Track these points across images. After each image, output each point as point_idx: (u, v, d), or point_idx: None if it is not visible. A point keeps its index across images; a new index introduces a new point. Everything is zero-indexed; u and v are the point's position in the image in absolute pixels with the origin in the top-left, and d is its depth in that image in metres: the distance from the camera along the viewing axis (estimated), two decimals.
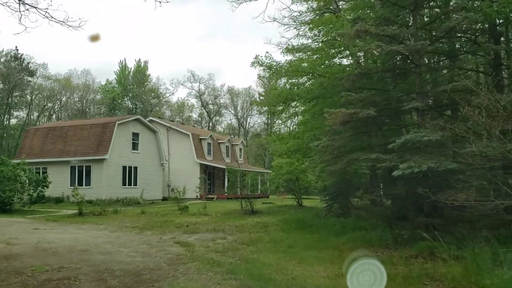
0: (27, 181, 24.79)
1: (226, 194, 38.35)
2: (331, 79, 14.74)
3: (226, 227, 17.38)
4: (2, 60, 62.49)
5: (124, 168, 32.69)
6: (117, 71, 77.82)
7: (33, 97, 69.43)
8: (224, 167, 39.04)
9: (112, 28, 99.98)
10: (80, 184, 31.38)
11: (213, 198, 38.00)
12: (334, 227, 15.10)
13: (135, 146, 34.01)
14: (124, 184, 32.71)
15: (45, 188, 26.27)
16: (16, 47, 62.20)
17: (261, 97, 79.01)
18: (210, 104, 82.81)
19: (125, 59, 77.33)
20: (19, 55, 61.92)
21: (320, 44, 18.29)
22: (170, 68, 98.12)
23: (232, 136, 59.33)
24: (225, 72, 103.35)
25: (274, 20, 24.81)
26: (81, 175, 31.40)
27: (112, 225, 18.43)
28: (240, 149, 47.36)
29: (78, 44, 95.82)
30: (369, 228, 13.87)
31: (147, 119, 39.96)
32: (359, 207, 19.67)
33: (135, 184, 33.85)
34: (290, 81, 18.31)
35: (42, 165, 32.31)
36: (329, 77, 15.22)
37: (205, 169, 40.44)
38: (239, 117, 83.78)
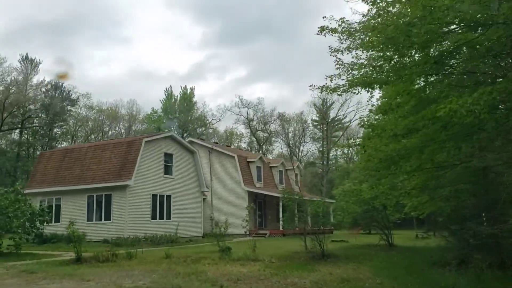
0: (20, 215, 18.59)
1: (282, 229, 30.80)
2: None
3: None
4: (43, 90, 59.59)
5: (153, 197, 26.12)
6: (163, 99, 73.89)
7: (77, 128, 65.88)
8: (279, 195, 31.62)
9: (157, 53, 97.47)
10: (99, 218, 25.06)
11: (266, 234, 30.53)
12: None
13: (168, 169, 27.49)
14: (154, 217, 26.06)
15: (44, 223, 19.97)
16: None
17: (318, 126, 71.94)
18: (260, 131, 76.36)
19: (170, 86, 73.28)
20: (60, 84, 58.77)
21: None
22: (217, 94, 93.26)
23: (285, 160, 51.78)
24: (274, 96, 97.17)
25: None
26: (100, 207, 25.11)
27: (105, 281, 11.47)
28: (296, 174, 39.88)
29: (122, 72, 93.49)
30: None
31: (186, 140, 33.65)
32: None
33: (168, 217, 27.12)
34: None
35: (55, 195, 26.38)
36: None
37: (254, 198, 33.23)
38: (291, 145, 76.62)
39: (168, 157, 27.58)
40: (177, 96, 74.00)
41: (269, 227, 33.08)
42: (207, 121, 73.13)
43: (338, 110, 70.40)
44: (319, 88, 11.27)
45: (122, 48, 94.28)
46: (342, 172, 63.62)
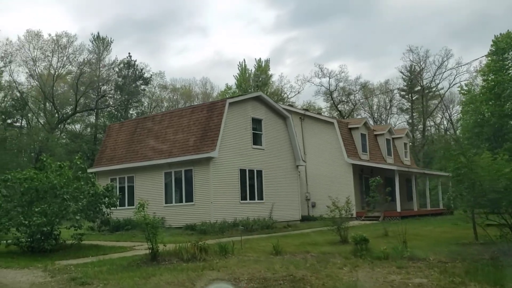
0: (80, 197, 14.22)
1: (398, 211, 24.66)
2: None
3: None
4: (116, 69, 57.13)
5: (242, 172, 21.06)
6: (237, 75, 69.52)
7: (152, 109, 63.21)
8: (394, 168, 25.39)
9: (226, 28, 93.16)
10: (179, 199, 20.49)
11: (378, 217, 24.48)
12: None
13: (257, 138, 22.26)
14: (243, 197, 21.03)
15: (111, 207, 15.50)
16: (129, 53, 56.54)
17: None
18: (342, 102, 69.34)
19: (244, 60, 68.44)
20: (133, 62, 55.88)
21: None
22: (294, 64, 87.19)
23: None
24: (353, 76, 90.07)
25: None
26: (179, 186, 20.50)
27: None
28: (405, 144, 33.14)
29: (196, 51, 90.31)
30: None
31: None
32: None
33: (260, 197, 21.97)
34: None
35: (127, 173, 22.20)
36: None
37: (360, 172, 27.22)
38: (375, 118, 68.88)
39: (257, 123, 22.30)
40: (252, 70, 69.30)
41: (378, 208, 26.95)
42: (285, 95, 67.59)
43: (434, 76, 61.16)
44: None
45: (197, 37, 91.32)
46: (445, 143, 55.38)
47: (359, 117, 63.30)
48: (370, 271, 9.54)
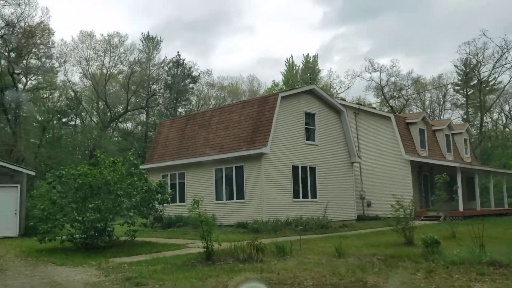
0: (133, 193, 13.97)
1: (461, 211, 23.05)
2: None
3: None
4: (165, 68, 57.87)
5: (294, 169, 20.27)
6: (284, 71, 68.81)
7: (200, 106, 63.65)
8: (456, 165, 23.75)
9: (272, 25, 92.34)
10: (230, 196, 20.00)
11: (439, 217, 22.95)
12: None
13: (309, 134, 21.40)
14: (296, 195, 20.24)
15: (164, 203, 15.17)
16: (178, 52, 57.11)
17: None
18: (394, 97, 66.77)
19: (291, 56, 67.46)
20: (181, 60, 56.42)
21: None
22: (342, 61, 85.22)
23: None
24: (403, 71, 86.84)
25: None
26: (230, 182, 20.01)
27: None
28: (465, 140, 31.14)
29: (244, 50, 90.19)
30: None
31: None
32: None
33: (314, 195, 21.09)
34: None
35: (178, 169, 21.98)
36: None
37: (418, 170, 25.72)
38: (428, 113, 65.75)
39: (310, 117, 21.43)
40: (299, 66, 68.33)
41: (437, 208, 25.34)
42: (334, 90, 66.01)
43: (493, 69, 57.53)
44: None
45: (244, 36, 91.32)
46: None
47: (412, 112, 60.74)
48: (448, 278, 8.51)
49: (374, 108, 36.64)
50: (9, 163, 20.09)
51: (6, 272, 9.49)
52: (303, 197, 20.53)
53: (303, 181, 20.64)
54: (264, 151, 18.42)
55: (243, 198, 19.23)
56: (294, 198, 20.05)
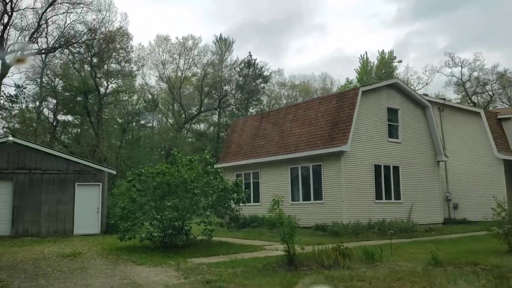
0: (209, 192, 13.63)
1: None
2: None
3: None
4: (237, 69, 58.30)
5: (376, 168, 19.01)
6: (358, 69, 66.75)
7: (271, 106, 63.47)
8: None
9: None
10: (306, 196, 19.16)
11: None
12: None
13: (392, 131, 19.99)
14: (378, 197, 18.96)
15: (240, 203, 14.71)
16: (249, 52, 57.22)
17: None
18: (479, 93, 62.04)
19: (366, 52, 65.14)
20: (253, 61, 56.54)
21: None
22: (419, 57, 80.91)
23: None
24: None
25: None
26: (306, 182, 19.17)
27: None
28: None
29: (315, 49, 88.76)
30: None
31: None
32: None
33: (397, 196, 19.66)
34: None
35: (252, 168, 21.54)
36: None
37: (508, 168, 23.24)
38: None
39: (392, 113, 20.03)
40: (373, 63, 65.83)
41: None
42: (412, 86, 62.68)
43: None
44: None
45: (316, 35, 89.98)
46: None
47: (501, 108, 55.90)
48: None
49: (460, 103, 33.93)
50: (91, 162, 20.78)
51: (87, 270, 9.43)
52: (386, 199, 19.18)
53: (386, 182, 19.29)
54: (344, 149, 17.38)
55: (321, 199, 18.31)
56: (376, 199, 18.77)
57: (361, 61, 65.74)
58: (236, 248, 13.28)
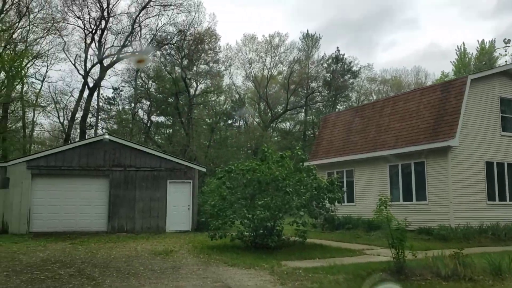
0: (302, 190, 12.74)
1: None
2: None
3: None
4: (324, 65, 56.85)
5: (489, 166, 16.82)
6: (454, 61, 61.84)
7: (360, 102, 61.15)
8: None
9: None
10: (408, 197, 17.49)
11: None
12: None
13: (507, 123, 17.61)
14: (491, 197, 16.77)
15: (335, 202, 13.61)
16: (337, 47, 55.56)
17: None
18: None
19: (463, 43, 60.22)
20: (341, 56, 54.73)
21: None
22: None
23: None
24: None
25: None
26: (407, 181, 17.49)
27: None
28: None
29: (407, 43, 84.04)
30: None
31: None
32: None
33: None
34: None
35: (345, 166, 20.26)
36: None
37: None
38: None
39: (505, 104, 17.63)
40: (472, 54, 60.50)
41: None
42: None
43: None
44: None
45: (408, 30, 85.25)
46: None
47: None
48: None
49: None
50: (182, 160, 20.91)
51: (179, 270, 9.00)
52: (499, 200, 16.91)
53: (500, 180, 17.00)
54: (451, 143, 15.51)
55: (425, 200, 16.55)
56: (488, 200, 16.60)
57: (457, 52, 60.77)
58: (332, 251, 12.25)
